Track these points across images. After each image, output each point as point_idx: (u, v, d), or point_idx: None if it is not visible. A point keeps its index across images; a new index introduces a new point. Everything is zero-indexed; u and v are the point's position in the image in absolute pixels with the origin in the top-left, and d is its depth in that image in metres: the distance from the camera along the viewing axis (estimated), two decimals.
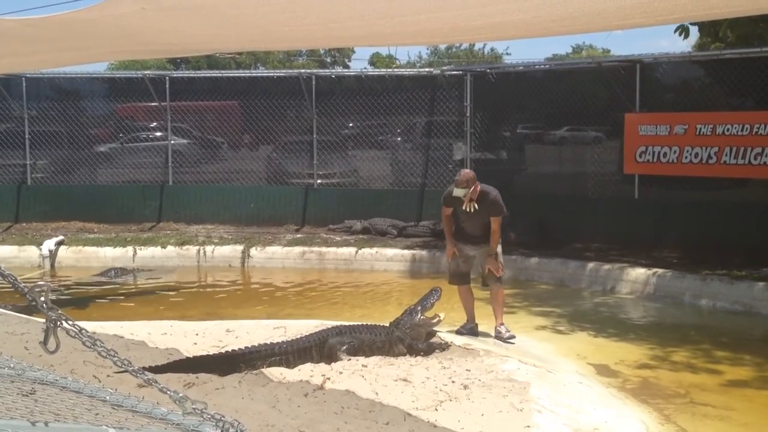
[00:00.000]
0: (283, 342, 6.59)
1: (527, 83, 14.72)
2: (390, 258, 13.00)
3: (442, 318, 7.32)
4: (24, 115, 15.48)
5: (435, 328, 7.36)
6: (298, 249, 13.47)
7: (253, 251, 13.52)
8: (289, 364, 6.34)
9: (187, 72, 21.06)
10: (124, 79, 16.49)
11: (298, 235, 14.29)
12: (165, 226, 15.06)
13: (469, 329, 8.19)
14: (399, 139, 15.85)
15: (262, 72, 24.76)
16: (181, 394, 2.76)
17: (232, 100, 15.85)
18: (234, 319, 8.74)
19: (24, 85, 15.49)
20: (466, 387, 5.84)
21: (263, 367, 6.21)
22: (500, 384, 5.99)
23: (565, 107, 13.44)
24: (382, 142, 15.68)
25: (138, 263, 13.36)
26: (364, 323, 7.18)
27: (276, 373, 6.10)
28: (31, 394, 3.24)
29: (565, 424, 5.38)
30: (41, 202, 15.49)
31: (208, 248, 13.66)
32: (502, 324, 8.22)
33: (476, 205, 7.81)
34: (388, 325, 7.15)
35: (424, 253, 12.90)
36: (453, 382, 5.97)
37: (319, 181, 15.23)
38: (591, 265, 11.51)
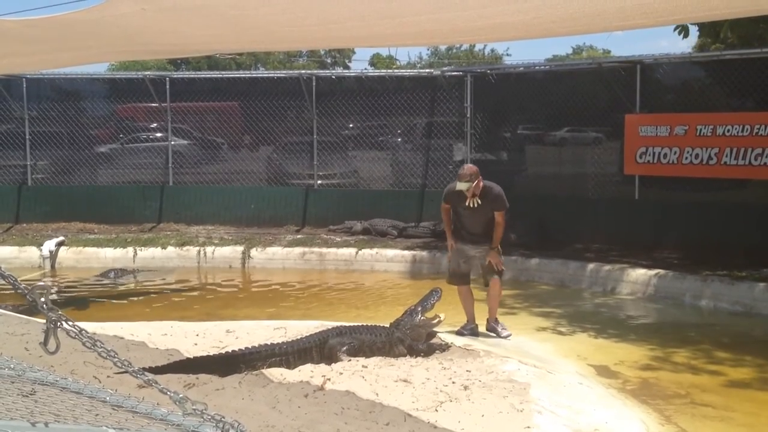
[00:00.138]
0: (283, 343, 6.59)
1: (527, 84, 14.73)
2: (390, 259, 13.00)
3: (442, 319, 7.32)
4: (24, 116, 15.48)
5: (435, 329, 7.36)
6: (298, 250, 13.47)
7: (253, 252, 13.52)
8: (290, 365, 6.34)
9: (187, 73, 21.05)
10: (125, 80, 16.49)
11: (299, 236, 14.29)
12: (165, 226, 15.06)
13: (470, 330, 8.20)
14: (399, 139, 15.86)
15: (262, 73, 24.80)
16: (181, 395, 2.76)
17: (232, 101, 15.86)
18: (234, 319, 8.74)
19: (24, 85, 15.49)
20: (466, 388, 5.84)
21: (263, 368, 6.21)
22: (500, 385, 5.99)
23: (566, 108, 13.44)
24: (382, 143, 15.68)
25: (138, 264, 13.36)
26: (365, 324, 7.18)
27: (276, 373, 6.10)
28: (31, 394, 3.24)
29: (566, 425, 5.37)
30: (42, 202, 15.49)
31: (209, 249, 13.66)
32: (496, 319, 8.25)
33: (479, 201, 7.84)
34: (388, 325, 7.15)
35: (424, 253, 12.90)
36: (453, 382, 5.97)
37: (319, 181, 15.23)
38: (591, 265, 11.51)
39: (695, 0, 4.00)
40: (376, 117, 15.08)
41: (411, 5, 4.06)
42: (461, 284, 8.30)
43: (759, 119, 11.00)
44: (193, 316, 9.78)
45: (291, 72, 16.76)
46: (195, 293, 11.89)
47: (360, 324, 7.15)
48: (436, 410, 5.31)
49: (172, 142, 15.62)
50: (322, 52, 53.40)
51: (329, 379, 5.91)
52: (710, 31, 12.05)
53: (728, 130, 11.27)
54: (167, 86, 15.36)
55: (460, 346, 7.22)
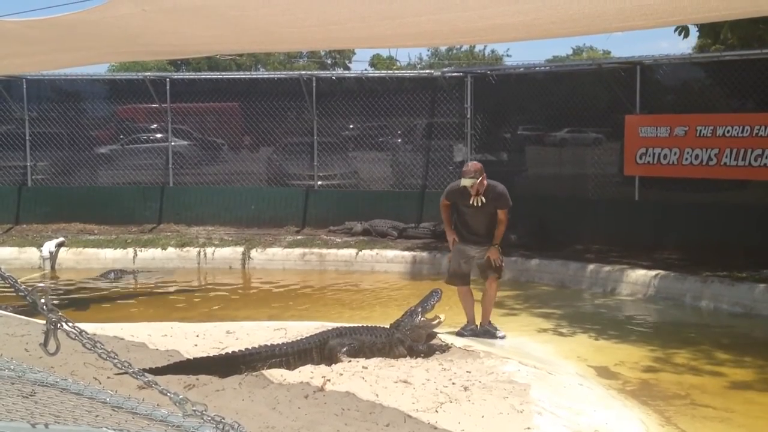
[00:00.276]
0: (283, 344, 6.58)
1: (528, 85, 14.74)
2: (390, 259, 13.00)
3: (442, 319, 7.32)
4: (24, 117, 15.49)
5: (435, 330, 7.35)
6: (298, 250, 13.47)
7: (253, 253, 13.51)
8: (290, 366, 6.34)
9: (187, 74, 21.07)
10: (125, 81, 16.51)
11: (299, 237, 14.29)
12: (165, 227, 15.06)
13: (470, 330, 8.21)
14: (399, 140, 15.86)
15: (262, 73, 24.79)
16: (181, 396, 2.77)
17: (232, 102, 15.86)
18: (234, 320, 8.74)
19: (25, 86, 15.49)
20: (466, 389, 5.84)
21: (264, 369, 6.20)
22: (501, 386, 5.98)
23: (566, 109, 13.44)
24: (382, 144, 15.69)
25: (138, 265, 13.36)
26: (365, 325, 7.17)
27: (276, 374, 6.10)
28: (31, 395, 3.24)
29: (566, 426, 5.37)
30: (42, 203, 15.49)
31: (209, 250, 13.66)
32: (489, 322, 8.27)
33: (483, 199, 7.85)
34: (388, 326, 7.15)
35: (424, 254, 12.90)
36: (453, 383, 5.96)
37: (319, 182, 15.24)
38: (591, 266, 11.51)
39: (695, 1, 4.00)
40: (376, 118, 15.09)
41: (411, 6, 4.06)
42: (461, 285, 8.31)
43: (759, 120, 11.00)
44: (193, 317, 9.78)
45: (291, 73, 16.76)
46: (195, 294, 11.88)
47: (360, 325, 7.15)
48: (437, 411, 5.31)
49: (173, 143, 15.62)
50: (323, 53, 53.42)
51: (329, 380, 5.91)
52: (710, 32, 12.04)
53: (728, 131, 11.27)
54: (167, 87, 15.36)
55: (460, 347, 7.22)
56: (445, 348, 7.14)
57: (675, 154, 11.87)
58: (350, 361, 6.48)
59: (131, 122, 16.60)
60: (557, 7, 3.97)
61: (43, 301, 2.89)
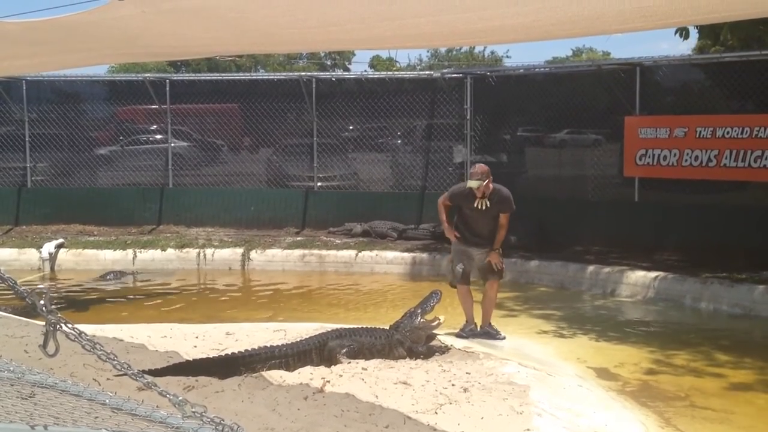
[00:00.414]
0: (283, 345, 6.58)
1: (527, 86, 14.74)
2: (390, 261, 13.00)
3: (442, 321, 7.32)
4: (24, 118, 15.48)
5: (435, 331, 7.36)
6: (298, 252, 13.47)
7: (253, 254, 13.51)
8: (289, 367, 6.34)
9: (187, 75, 21.09)
10: (125, 82, 16.51)
11: (298, 238, 14.29)
12: (165, 228, 15.06)
13: (469, 331, 8.22)
14: (399, 141, 15.86)
15: (262, 75, 24.84)
16: (180, 398, 2.76)
17: (232, 103, 15.86)
18: (234, 322, 8.74)
19: (24, 87, 15.49)
20: (466, 390, 5.84)
21: (263, 370, 6.20)
22: (500, 387, 5.98)
23: (566, 110, 13.44)
24: (382, 145, 15.69)
25: (138, 266, 13.36)
26: (364, 326, 7.17)
27: (276, 376, 6.09)
28: (30, 397, 3.24)
29: (565, 428, 5.37)
30: (41, 204, 15.49)
31: (208, 251, 13.66)
32: (490, 323, 8.28)
33: (488, 203, 7.88)
34: (388, 328, 7.15)
35: (424, 255, 12.90)
36: (453, 385, 5.96)
37: (319, 183, 15.23)
38: (591, 267, 11.51)
39: (694, 3, 4.00)
40: (376, 119, 15.09)
41: (411, 7, 4.06)
42: (462, 284, 8.31)
43: (758, 121, 11.01)
44: (193, 318, 9.78)
45: (291, 74, 16.77)
46: (195, 295, 11.88)
47: (359, 326, 7.15)
48: (436, 412, 5.31)
49: (172, 144, 15.62)
50: (322, 54, 53.42)
51: (329, 382, 5.91)
52: (710, 33, 12.06)
53: (728, 132, 11.28)
54: (167, 88, 15.37)
55: (459, 349, 7.22)
56: (444, 349, 7.14)
57: (675, 155, 11.87)
58: (350, 362, 6.48)
59: (131, 123, 16.59)
60: (557, 9, 3.97)
61: (42, 302, 2.89)
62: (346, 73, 35.98)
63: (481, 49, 51.30)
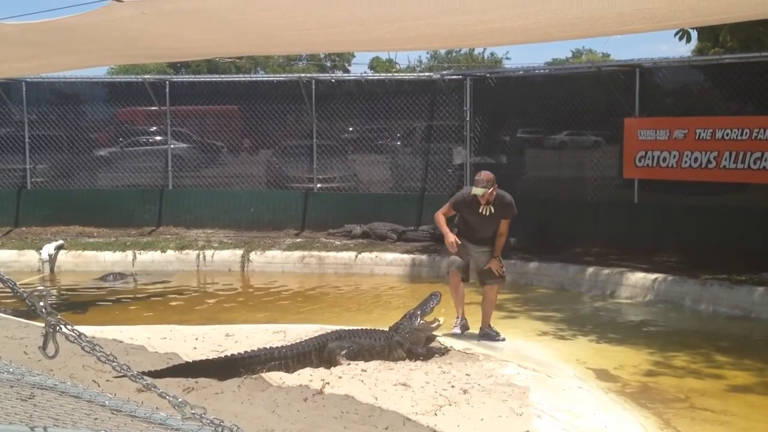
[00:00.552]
0: (282, 346, 6.57)
1: (527, 88, 14.74)
2: (390, 262, 13.00)
3: (441, 322, 7.32)
4: (24, 120, 15.49)
5: (434, 333, 7.35)
6: (297, 253, 13.47)
7: (252, 255, 13.51)
8: (289, 369, 6.33)
9: (187, 76, 21.12)
10: (124, 84, 16.53)
11: (298, 240, 14.28)
12: (165, 230, 15.06)
13: (462, 326, 8.23)
14: (399, 143, 15.87)
15: (262, 76, 24.84)
16: (180, 399, 2.76)
17: (232, 105, 15.87)
18: (233, 323, 8.74)
19: (24, 89, 15.50)
20: (465, 391, 5.83)
21: (263, 372, 6.20)
22: (500, 389, 5.98)
23: (565, 112, 13.45)
24: (381, 147, 15.70)
25: (137, 267, 13.36)
26: (364, 328, 7.17)
27: (275, 377, 6.09)
28: (30, 398, 3.24)
29: (565, 429, 5.37)
30: (41, 206, 15.49)
31: (208, 252, 13.66)
32: (489, 325, 8.28)
33: (492, 209, 7.89)
34: (387, 329, 7.14)
35: (423, 257, 12.90)
36: (452, 386, 5.96)
37: (318, 185, 15.24)
38: (591, 269, 11.51)
39: (693, 5, 4.00)
40: (375, 120, 15.10)
41: (411, 9, 4.06)
42: (455, 272, 8.28)
43: (758, 123, 11.01)
44: (193, 319, 9.78)
45: (291, 75, 16.77)
46: (194, 297, 11.88)
47: (359, 328, 7.14)
48: (436, 414, 5.31)
49: (172, 146, 15.63)
50: (322, 56, 53.42)
51: (328, 383, 5.90)
52: (710, 35, 12.06)
53: (727, 134, 11.28)
54: (167, 90, 15.37)
55: (459, 350, 7.22)
56: (444, 351, 7.13)
57: (674, 157, 11.88)
58: (349, 364, 6.47)
59: (130, 125, 16.60)
60: (556, 11, 3.98)
61: (42, 303, 2.89)
62: (346, 74, 36.01)
63: (480, 50, 51.35)
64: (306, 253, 13.45)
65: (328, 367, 6.42)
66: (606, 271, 11.36)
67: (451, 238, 8.03)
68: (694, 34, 11.90)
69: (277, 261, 13.42)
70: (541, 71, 16.15)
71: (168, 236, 14.60)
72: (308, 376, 6.13)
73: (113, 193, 15.85)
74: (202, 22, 4.41)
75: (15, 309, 9.01)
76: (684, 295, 10.37)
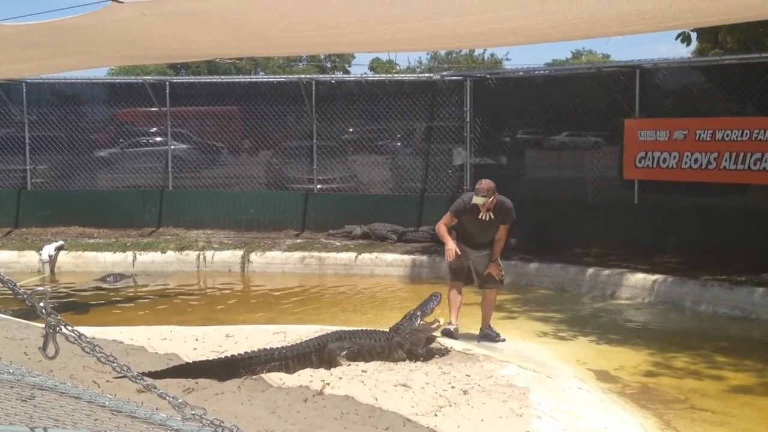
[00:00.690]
0: (282, 347, 6.57)
1: (527, 88, 14.75)
2: (390, 263, 13.00)
3: (441, 323, 7.32)
4: (24, 120, 15.49)
5: (435, 334, 7.35)
6: (297, 254, 13.47)
7: (252, 256, 13.51)
8: (289, 370, 6.33)
9: (187, 77, 21.07)
10: (125, 84, 16.55)
11: (298, 240, 14.28)
12: (165, 231, 15.06)
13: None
14: (399, 144, 15.87)
15: (262, 77, 24.87)
16: (180, 400, 2.77)
17: (232, 105, 15.87)
18: (233, 324, 8.74)
19: (24, 90, 15.51)
20: (465, 392, 5.83)
21: (263, 373, 6.20)
22: (500, 389, 5.98)
23: (565, 112, 13.45)
24: (382, 147, 15.69)
25: (138, 268, 13.36)
26: (364, 328, 7.17)
27: (275, 378, 6.09)
28: (30, 399, 3.24)
29: (565, 430, 5.37)
30: (41, 207, 15.49)
31: (208, 253, 13.66)
32: (489, 326, 8.29)
33: (492, 215, 7.92)
34: (387, 330, 7.14)
35: (423, 258, 12.89)
36: (452, 387, 5.96)
37: (318, 186, 15.24)
38: (591, 270, 11.51)
39: (693, 6, 4.00)
40: (375, 121, 15.10)
41: (410, 11, 4.07)
42: (456, 279, 8.30)
43: (758, 124, 11.01)
44: (193, 320, 9.78)
45: (291, 76, 16.77)
46: (194, 297, 11.88)
47: (359, 328, 7.14)
48: (436, 415, 5.31)
49: (172, 147, 15.63)
50: (322, 57, 53.42)
51: (328, 384, 5.90)
52: (709, 36, 12.07)
53: (727, 135, 11.28)
54: (167, 90, 15.38)
55: (459, 351, 7.21)
56: (444, 351, 7.13)
57: (674, 157, 11.88)
58: (349, 364, 6.47)
59: (131, 126, 16.60)
60: (556, 12, 3.98)
61: (42, 304, 2.89)
62: (346, 75, 36.02)
63: (480, 51, 51.38)
64: (306, 253, 13.45)
65: (329, 368, 6.42)
66: (606, 271, 11.36)
67: (451, 245, 8.01)
68: (693, 36, 11.91)
69: (278, 262, 13.43)
70: (541, 72, 16.15)
71: (168, 237, 14.61)
72: (308, 377, 6.13)
73: (113, 194, 15.84)
74: (202, 23, 4.41)
75: (15, 309, 9.01)
76: (684, 295, 10.37)
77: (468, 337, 8.23)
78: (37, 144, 15.53)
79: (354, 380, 6.07)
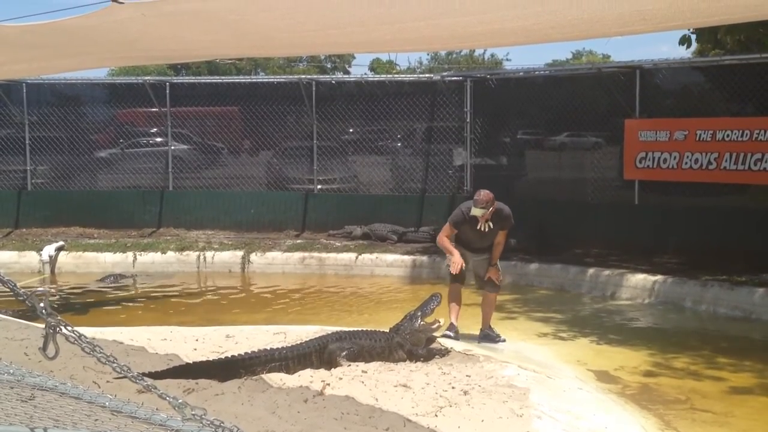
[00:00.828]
0: (282, 348, 6.57)
1: (527, 89, 14.75)
2: (390, 263, 13.00)
3: (442, 324, 7.31)
4: (24, 121, 15.49)
5: (435, 334, 7.35)
6: (298, 254, 13.47)
7: (253, 257, 13.51)
8: (289, 370, 6.33)
9: (187, 78, 21.07)
10: (125, 85, 16.55)
11: (298, 241, 14.28)
12: (165, 231, 15.06)
13: (455, 333, 8.15)
14: (399, 144, 15.87)
15: (262, 78, 24.86)
16: (180, 400, 2.77)
17: (232, 106, 15.87)
18: (234, 324, 8.73)
19: (24, 90, 15.51)
20: (466, 393, 5.83)
21: (263, 373, 6.19)
22: (500, 390, 5.97)
23: (565, 113, 13.46)
24: (382, 148, 15.70)
25: (138, 269, 13.36)
26: (364, 329, 7.16)
27: (276, 378, 6.09)
28: (30, 399, 3.24)
29: (565, 430, 5.36)
30: (41, 207, 15.49)
31: (208, 254, 13.66)
32: (489, 326, 8.29)
33: (490, 225, 7.93)
34: (387, 330, 7.14)
35: (424, 258, 12.89)
36: (453, 387, 5.95)
37: (319, 186, 15.24)
38: (591, 270, 11.51)
39: (693, 6, 4.00)
40: (376, 122, 15.10)
41: (411, 11, 4.07)
42: (456, 281, 8.30)
43: (758, 124, 11.01)
44: (193, 320, 9.78)
45: (291, 77, 16.78)
46: (194, 298, 11.88)
47: (359, 329, 7.14)
48: (436, 415, 5.31)
49: (172, 147, 15.64)
50: (322, 57, 53.41)
51: (329, 384, 5.90)
52: (709, 37, 12.07)
53: (728, 135, 11.28)
54: (167, 91, 15.38)
55: (459, 351, 7.21)
56: (444, 352, 7.13)
57: (675, 158, 11.88)
58: (350, 365, 6.47)
59: (131, 126, 16.61)
60: (557, 12, 3.98)
61: (42, 305, 2.89)
62: (346, 75, 35.99)
63: (481, 52, 51.40)
64: (306, 254, 13.45)
65: (329, 369, 6.42)
66: (606, 272, 11.36)
67: (457, 258, 7.98)
68: (693, 38, 11.91)
69: (278, 262, 13.43)
70: (542, 72, 16.12)
71: (168, 237, 14.61)
72: (309, 378, 6.13)
73: (114, 195, 15.84)
74: (202, 24, 4.41)
75: (15, 310, 9.01)
76: (684, 296, 10.36)
77: (468, 337, 8.23)
78: (37, 144, 15.53)
79: (354, 381, 6.06)
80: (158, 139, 16.28)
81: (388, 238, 13.98)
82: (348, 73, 51.64)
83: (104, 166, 16.24)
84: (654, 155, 12.11)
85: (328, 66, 53.76)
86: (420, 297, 8.21)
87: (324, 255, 13.39)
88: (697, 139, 11.62)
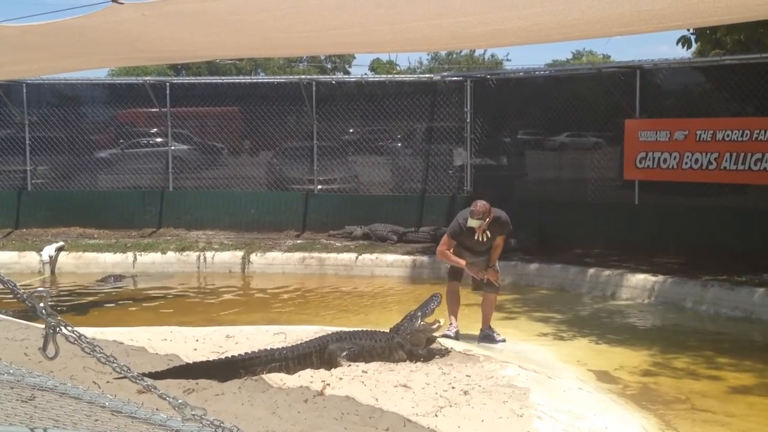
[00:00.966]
0: (283, 348, 6.57)
1: (527, 89, 14.76)
2: (390, 264, 13.00)
3: (442, 324, 7.31)
4: (24, 121, 15.49)
5: (435, 334, 7.35)
6: (298, 255, 13.47)
7: (253, 257, 13.51)
8: (289, 370, 6.33)
9: (187, 78, 21.12)
10: (125, 85, 16.56)
11: (299, 241, 14.28)
12: (165, 231, 15.06)
13: (456, 332, 8.17)
14: (399, 144, 15.87)
15: (262, 78, 24.86)
16: (180, 400, 2.77)
17: (232, 106, 15.87)
18: (234, 324, 8.74)
19: (24, 91, 15.51)
20: (466, 393, 5.83)
21: (263, 373, 6.19)
22: (500, 390, 5.98)
23: (566, 113, 13.46)
24: (382, 148, 15.70)
25: (138, 269, 13.36)
26: (364, 329, 7.17)
27: (276, 379, 6.09)
28: (30, 400, 3.24)
29: (565, 430, 5.37)
30: (41, 207, 15.50)
31: (209, 254, 13.65)
32: (489, 326, 8.30)
33: (488, 234, 7.94)
34: (388, 330, 7.14)
35: (424, 258, 12.88)
36: (453, 387, 5.96)
37: (319, 186, 15.24)
38: (591, 270, 11.50)
39: (693, 6, 4.00)
40: (376, 122, 15.11)
41: (411, 11, 4.07)
42: (454, 279, 8.31)
43: (758, 124, 11.02)
44: (193, 321, 9.77)
45: (291, 77, 16.77)
46: (195, 298, 11.88)
47: (360, 329, 7.14)
48: (436, 415, 5.31)
49: (172, 147, 15.64)
50: (323, 57, 53.41)
51: (329, 385, 5.90)
52: (709, 37, 12.08)
53: (728, 135, 11.28)
54: (167, 91, 15.38)
55: (459, 351, 7.21)
56: (444, 352, 7.13)
57: (675, 158, 11.88)
58: (350, 365, 6.47)
59: (131, 126, 16.61)
60: (557, 13, 3.98)
61: (42, 305, 2.89)
62: (347, 76, 36.00)
63: (481, 52, 51.41)
64: (306, 254, 13.45)
65: (329, 369, 6.42)
66: (606, 272, 11.36)
67: (470, 267, 8.09)
68: (693, 38, 11.91)
69: (278, 262, 13.43)
70: (542, 73, 16.12)
71: (168, 238, 14.60)
72: (309, 378, 6.13)
73: (114, 195, 15.84)
74: (202, 24, 4.41)
75: (15, 310, 9.01)
76: (684, 296, 10.36)
77: (468, 337, 8.23)
78: (37, 145, 15.53)
79: (354, 381, 6.06)
80: (158, 140, 16.28)
81: (389, 239, 13.98)
82: (348, 73, 51.66)
83: (104, 166, 16.23)
84: (654, 155, 12.11)
85: (329, 66, 53.79)
86: (420, 297, 8.21)
87: (324, 255, 13.39)
88: (697, 139, 11.62)
